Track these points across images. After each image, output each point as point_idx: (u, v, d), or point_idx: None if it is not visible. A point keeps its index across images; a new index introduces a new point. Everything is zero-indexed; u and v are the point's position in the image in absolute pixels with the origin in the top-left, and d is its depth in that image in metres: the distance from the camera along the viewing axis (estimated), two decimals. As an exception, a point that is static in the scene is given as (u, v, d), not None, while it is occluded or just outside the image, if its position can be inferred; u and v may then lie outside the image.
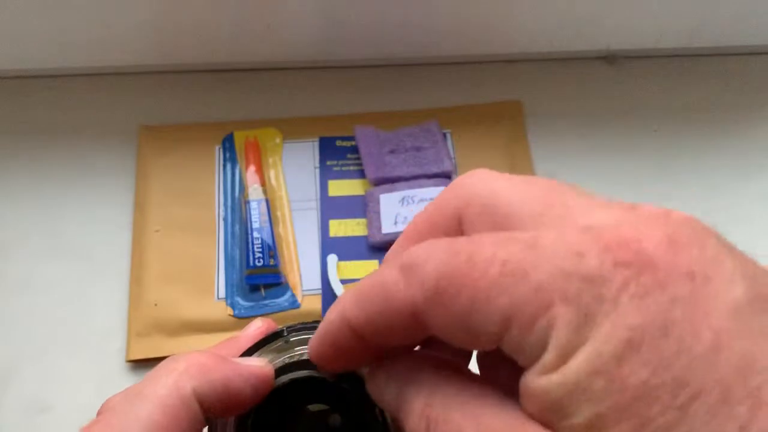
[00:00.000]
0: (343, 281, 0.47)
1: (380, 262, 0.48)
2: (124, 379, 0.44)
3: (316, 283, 0.47)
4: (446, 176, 0.50)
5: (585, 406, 0.16)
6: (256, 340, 0.25)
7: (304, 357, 0.23)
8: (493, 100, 0.54)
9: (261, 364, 0.23)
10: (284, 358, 0.24)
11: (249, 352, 0.24)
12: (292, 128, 0.52)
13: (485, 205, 0.19)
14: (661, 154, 0.53)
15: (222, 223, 0.49)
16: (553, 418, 0.16)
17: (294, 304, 0.46)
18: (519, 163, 0.52)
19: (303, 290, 0.47)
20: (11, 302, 0.47)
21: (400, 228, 0.47)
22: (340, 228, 0.49)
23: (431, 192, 0.48)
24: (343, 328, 0.19)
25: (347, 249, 0.48)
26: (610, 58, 0.56)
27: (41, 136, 0.52)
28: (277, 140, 0.52)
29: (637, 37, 0.55)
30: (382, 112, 0.53)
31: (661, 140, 0.53)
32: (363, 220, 0.49)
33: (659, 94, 0.55)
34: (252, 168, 0.50)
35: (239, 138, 0.52)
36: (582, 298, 0.16)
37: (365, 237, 0.48)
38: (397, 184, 0.49)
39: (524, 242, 0.17)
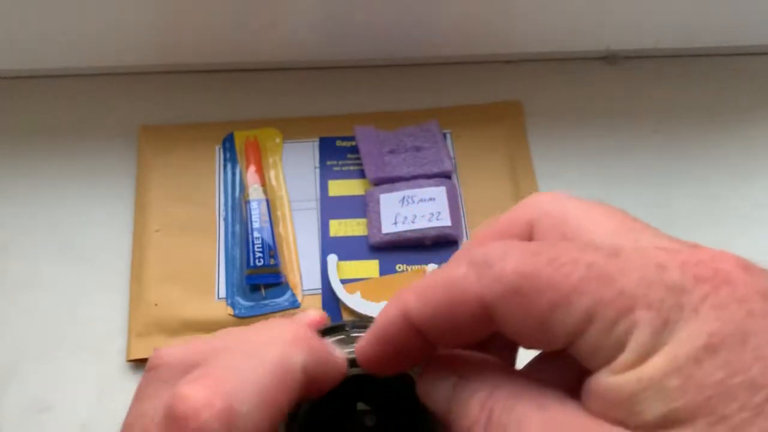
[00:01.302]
0: (343, 281, 0.47)
1: (380, 262, 0.48)
2: (125, 379, 0.44)
3: (317, 283, 0.47)
4: (446, 176, 0.50)
5: (659, 403, 0.17)
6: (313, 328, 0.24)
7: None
8: (493, 101, 0.54)
9: (341, 353, 0.23)
10: (347, 352, 0.23)
11: None
12: (292, 128, 0.52)
13: (557, 219, 0.21)
14: (661, 154, 0.53)
15: (222, 223, 0.49)
16: (623, 415, 0.17)
17: (294, 304, 0.46)
18: (519, 163, 0.52)
19: (303, 290, 0.47)
20: (11, 302, 0.47)
21: (400, 228, 0.47)
22: (341, 228, 0.49)
23: (431, 192, 0.48)
24: (403, 324, 0.20)
25: (347, 249, 0.48)
26: (610, 58, 0.56)
27: (41, 136, 0.52)
28: (277, 140, 0.52)
29: (637, 37, 0.55)
30: (382, 112, 0.53)
31: (661, 140, 0.53)
32: (363, 220, 0.49)
33: (659, 95, 0.55)
34: (252, 168, 0.50)
35: (239, 138, 0.52)
36: (664, 304, 0.17)
37: (365, 237, 0.48)
38: (397, 184, 0.49)
39: (607, 251, 0.18)
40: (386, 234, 0.47)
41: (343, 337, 0.24)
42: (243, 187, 0.50)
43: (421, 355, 0.21)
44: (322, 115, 0.53)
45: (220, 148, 0.52)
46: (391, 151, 0.51)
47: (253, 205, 0.49)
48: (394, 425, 0.24)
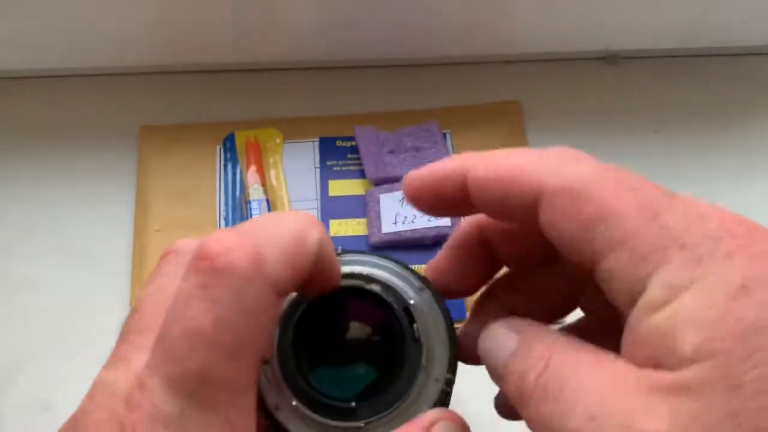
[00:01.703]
0: (344, 281, 0.47)
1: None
2: (125, 379, 0.44)
3: (317, 283, 0.47)
4: (446, 176, 0.50)
5: (695, 335, 0.17)
6: None
7: (356, 270, 0.25)
8: (493, 101, 0.54)
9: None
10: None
11: None
12: (292, 128, 0.52)
13: (576, 195, 0.22)
14: (660, 154, 0.53)
15: (223, 223, 0.49)
16: (663, 354, 0.18)
17: (294, 304, 0.46)
18: (519, 163, 0.52)
19: (303, 290, 0.47)
20: (12, 302, 0.47)
21: (399, 228, 0.47)
22: (341, 228, 0.49)
23: (431, 192, 0.49)
24: (458, 175, 0.22)
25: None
26: (609, 58, 0.56)
27: (41, 136, 0.52)
28: (278, 140, 0.52)
29: (636, 37, 0.55)
30: (382, 112, 0.53)
31: (661, 140, 0.53)
32: (363, 220, 0.49)
33: (659, 95, 0.55)
34: (253, 168, 0.50)
35: (240, 138, 0.52)
36: (699, 247, 0.19)
37: (365, 237, 0.48)
38: (397, 184, 0.49)
39: (662, 192, 0.20)
40: (386, 234, 0.47)
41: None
42: (243, 187, 0.50)
43: (462, 209, 0.23)
44: (322, 115, 0.53)
45: (220, 148, 0.52)
46: (391, 151, 0.51)
47: (254, 205, 0.49)
48: (391, 344, 0.25)
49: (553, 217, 0.20)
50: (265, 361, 0.24)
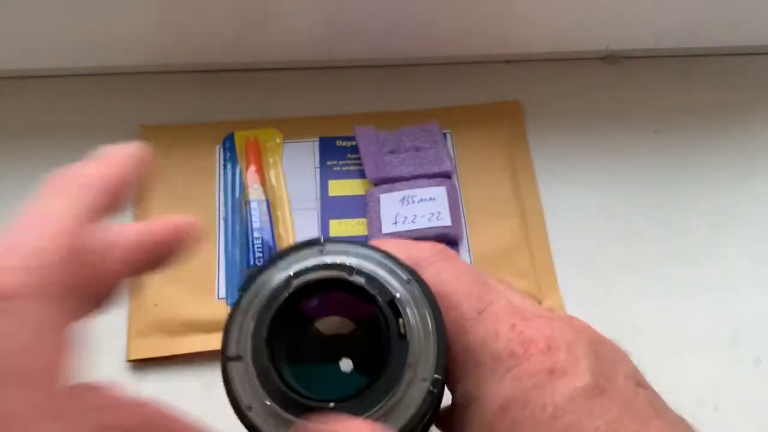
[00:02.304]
0: (344, 281, 0.47)
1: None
2: (125, 380, 0.44)
3: (317, 283, 0.47)
4: (446, 176, 0.50)
5: None
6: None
7: (338, 261, 0.24)
8: (493, 101, 0.54)
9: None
10: (316, 261, 0.25)
11: (280, 256, 0.25)
12: (292, 128, 0.52)
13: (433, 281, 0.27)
14: (661, 154, 0.53)
15: (222, 223, 0.49)
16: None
17: (294, 304, 0.46)
18: (519, 163, 0.52)
19: (303, 290, 0.47)
20: (11, 302, 0.47)
21: (400, 228, 0.47)
22: (341, 228, 0.49)
23: (431, 192, 0.48)
24: None
25: (347, 249, 0.48)
26: (609, 58, 0.56)
27: (41, 136, 0.52)
28: (278, 140, 0.52)
29: (636, 37, 0.55)
30: (382, 112, 0.53)
31: (662, 140, 0.53)
32: (363, 220, 0.49)
33: (659, 95, 0.55)
34: (252, 168, 0.50)
35: (239, 138, 0.52)
36: (485, 366, 0.24)
37: (365, 236, 0.48)
38: (397, 184, 0.49)
39: (475, 308, 0.26)
40: (386, 234, 0.47)
41: (315, 249, 0.25)
42: (243, 187, 0.50)
43: None
44: (322, 115, 0.53)
45: (220, 148, 0.52)
46: (391, 151, 0.51)
47: (254, 205, 0.49)
48: (365, 340, 0.24)
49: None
50: (238, 357, 0.23)
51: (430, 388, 0.23)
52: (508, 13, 0.52)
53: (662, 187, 0.52)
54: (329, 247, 0.25)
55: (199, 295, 0.46)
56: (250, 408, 0.23)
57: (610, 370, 0.24)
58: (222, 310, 0.46)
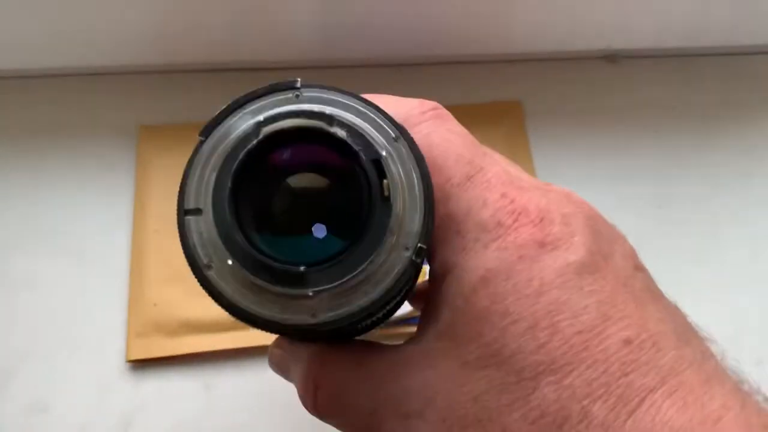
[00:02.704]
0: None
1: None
2: (124, 380, 0.44)
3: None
4: (446, 176, 0.50)
5: (447, 312, 0.22)
6: None
7: (316, 109, 0.21)
8: (493, 100, 0.54)
9: None
10: (291, 107, 0.22)
11: (249, 98, 0.23)
12: (292, 128, 0.52)
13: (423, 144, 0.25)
14: (661, 153, 0.53)
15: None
16: (422, 328, 0.23)
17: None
18: (519, 162, 0.51)
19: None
20: (10, 302, 0.47)
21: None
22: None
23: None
24: None
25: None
26: (610, 57, 0.56)
27: (40, 135, 0.52)
28: (277, 140, 0.52)
29: (638, 36, 0.55)
30: (382, 112, 0.53)
31: (662, 140, 0.53)
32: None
33: (660, 94, 0.55)
34: (252, 168, 0.50)
35: (239, 138, 0.52)
36: (469, 234, 0.22)
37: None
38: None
39: (464, 174, 0.23)
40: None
41: (290, 95, 0.22)
42: (243, 187, 0.50)
43: None
44: (322, 114, 0.53)
45: (219, 148, 0.51)
46: (391, 151, 0.51)
47: (253, 204, 0.48)
48: (344, 201, 0.22)
49: None
50: (196, 210, 0.21)
51: (413, 257, 0.20)
52: (509, 12, 0.52)
53: (663, 186, 0.51)
54: (307, 92, 0.22)
55: (198, 295, 0.45)
56: (209, 267, 0.20)
57: (608, 248, 0.23)
58: (221, 311, 0.46)
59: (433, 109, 0.26)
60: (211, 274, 0.20)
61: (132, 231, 0.49)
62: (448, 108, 0.53)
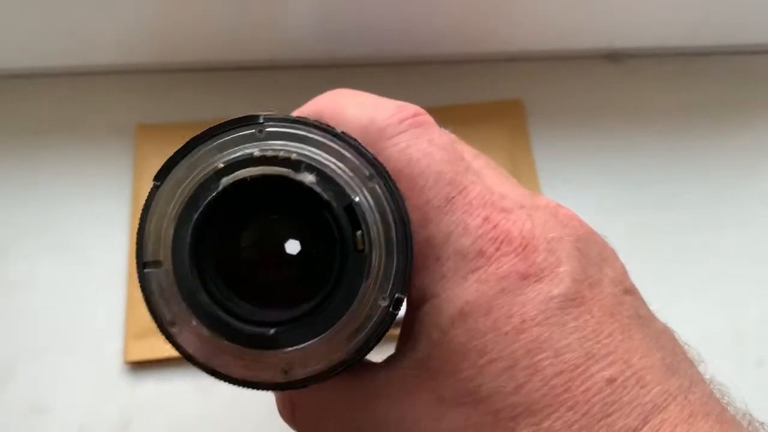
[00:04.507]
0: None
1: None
2: (122, 381, 0.44)
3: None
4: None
5: (424, 342, 0.21)
6: None
7: (282, 152, 0.19)
8: (495, 99, 0.54)
9: None
10: (254, 149, 0.20)
11: (209, 135, 0.21)
12: (291, 127, 0.52)
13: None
14: (664, 153, 0.52)
15: (221, 222, 0.48)
16: (400, 354, 0.22)
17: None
18: (520, 162, 0.51)
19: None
20: (9, 302, 0.46)
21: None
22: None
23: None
24: None
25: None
26: (613, 56, 0.56)
27: (38, 135, 0.52)
28: (277, 139, 0.52)
29: (640, 35, 0.55)
30: (382, 111, 0.53)
31: (665, 139, 0.53)
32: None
33: (663, 93, 0.55)
34: (251, 167, 0.50)
35: (238, 137, 0.51)
36: (448, 262, 0.21)
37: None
38: (397, 184, 0.49)
39: (445, 195, 0.22)
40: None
41: (253, 131, 0.20)
42: (242, 187, 0.49)
43: None
44: (322, 113, 0.53)
45: (218, 147, 0.51)
46: (392, 150, 0.50)
47: (252, 204, 0.48)
48: (314, 254, 0.20)
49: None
50: (156, 263, 0.19)
51: (391, 309, 0.19)
52: (510, 11, 0.52)
53: (665, 185, 0.51)
54: (272, 127, 0.20)
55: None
56: (172, 324, 0.19)
57: (596, 274, 0.22)
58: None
59: (414, 116, 0.24)
60: (176, 331, 0.19)
61: (130, 231, 0.48)
62: (450, 106, 0.53)
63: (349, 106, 0.25)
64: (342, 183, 0.19)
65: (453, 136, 0.26)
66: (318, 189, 0.19)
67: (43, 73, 0.54)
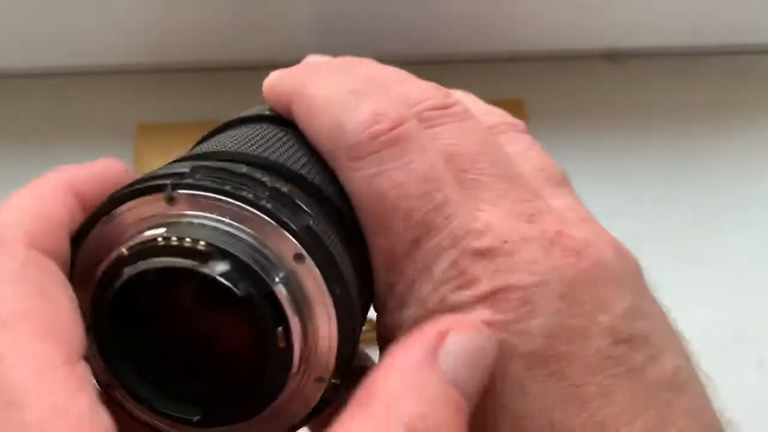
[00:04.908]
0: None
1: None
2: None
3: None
4: (447, 175, 0.49)
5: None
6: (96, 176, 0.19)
7: (187, 238, 0.16)
8: (495, 99, 0.54)
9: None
10: (160, 232, 0.17)
11: (113, 204, 0.18)
12: (291, 127, 0.52)
13: None
14: (664, 153, 0.52)
15: (220, 222, 0.48)
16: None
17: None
18: (520, 162, 0.51)
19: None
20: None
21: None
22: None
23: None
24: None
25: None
26: (613, 56, 0.56)
27: (37, 135, 0.52)
28: (277, 139, 0.52)
29: (640, 35, 0.55)
30: (382, 111, 0.53)
31: (665, 139, 0.53)
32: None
33: (662, 93, 0.55)
34: (251, 167, 0.50)
35: (238, 137, 0.51)
36: (409, 310, 0.19)
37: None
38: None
39: (413, 238, 0.19)
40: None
41: (162, 202, 0.18)
42: (242, 187, 0.49)
43: None
44: (322, 113, 0.53)
45: (218, 147, 0.51)
46: (392, 150, 0.50)
47: (252, 204, 0.48)
48: (230, 350, 0.18)
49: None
50: (88, 329, 0.17)
51: (328, 393, 0.18)
52: (510, 11, 0.52)
53: (665, 185, 0.51)
54: (184, 198, 0.17)
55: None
56: (108, 386, 0.18)
57: (583, 324, 0.18)
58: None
59: (391, 129, 0.19)
60: (115, 392, 0.18)
61: (130, 231, 0.48)
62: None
63: (317, 99, 0.21)
64: (260, 268, 0.16)
65: (499, 114, 0.24)
66: (228, 282, 0.16)
67: (43, 73, 0.54)
